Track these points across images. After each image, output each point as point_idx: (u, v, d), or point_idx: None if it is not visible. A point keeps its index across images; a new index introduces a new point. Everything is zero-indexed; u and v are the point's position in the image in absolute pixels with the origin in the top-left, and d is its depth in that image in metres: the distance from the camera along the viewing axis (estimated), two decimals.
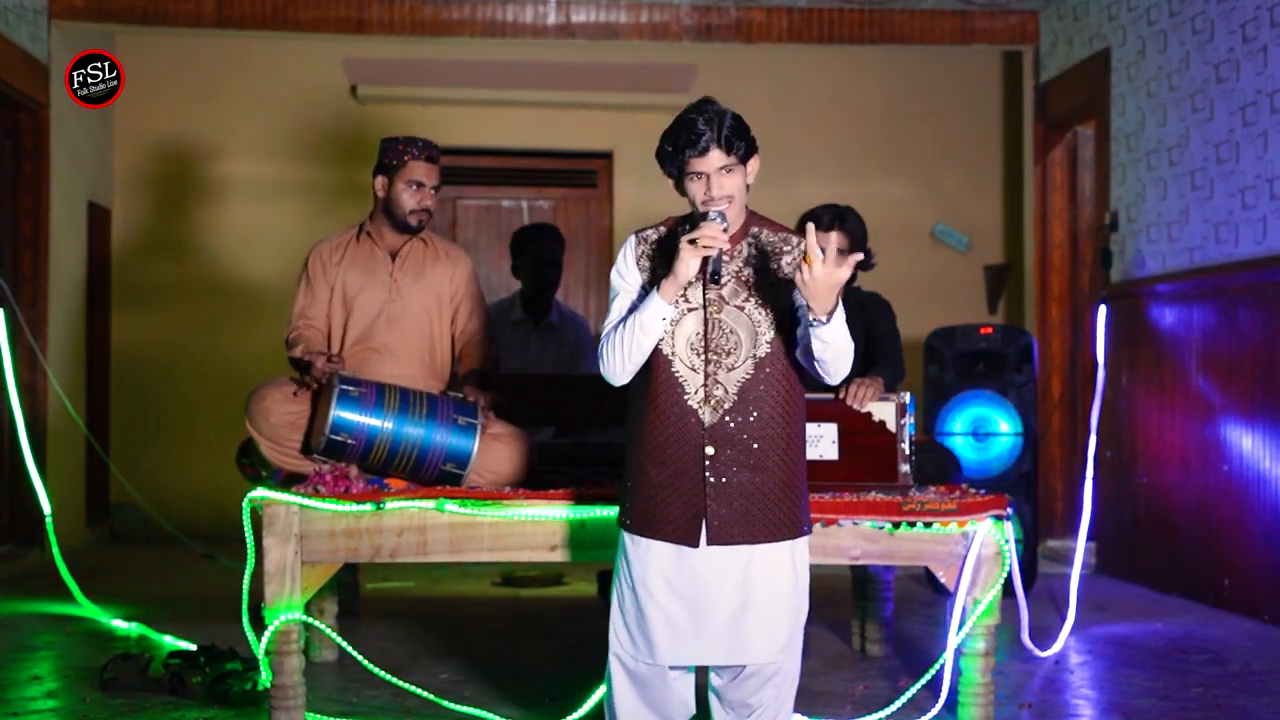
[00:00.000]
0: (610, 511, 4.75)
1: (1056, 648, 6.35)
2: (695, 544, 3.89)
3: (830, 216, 5.78)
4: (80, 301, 9.61)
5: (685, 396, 3.89)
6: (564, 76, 10.60)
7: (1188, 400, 7.80)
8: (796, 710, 4.55)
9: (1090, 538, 8.24)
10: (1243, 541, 7.25)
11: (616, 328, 3.91)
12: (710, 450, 3.88)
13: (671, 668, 3.99)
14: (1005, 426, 7.89)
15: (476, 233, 10.64)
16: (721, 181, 3.85)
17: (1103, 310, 8.04)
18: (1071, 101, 9.40)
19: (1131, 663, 6.19)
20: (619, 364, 3.90)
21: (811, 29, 9.63)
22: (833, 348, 3.76)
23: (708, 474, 3.88)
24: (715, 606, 3.90)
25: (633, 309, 3.92)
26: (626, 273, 4.00)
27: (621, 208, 10.74)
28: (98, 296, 9.99)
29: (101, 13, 9.14)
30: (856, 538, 4.81)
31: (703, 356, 3.90)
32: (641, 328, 3.84)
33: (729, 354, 3.91)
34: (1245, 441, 7.24)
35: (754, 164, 3.95)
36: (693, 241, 3.75)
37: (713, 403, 3.89)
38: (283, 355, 5.50)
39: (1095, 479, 7.81)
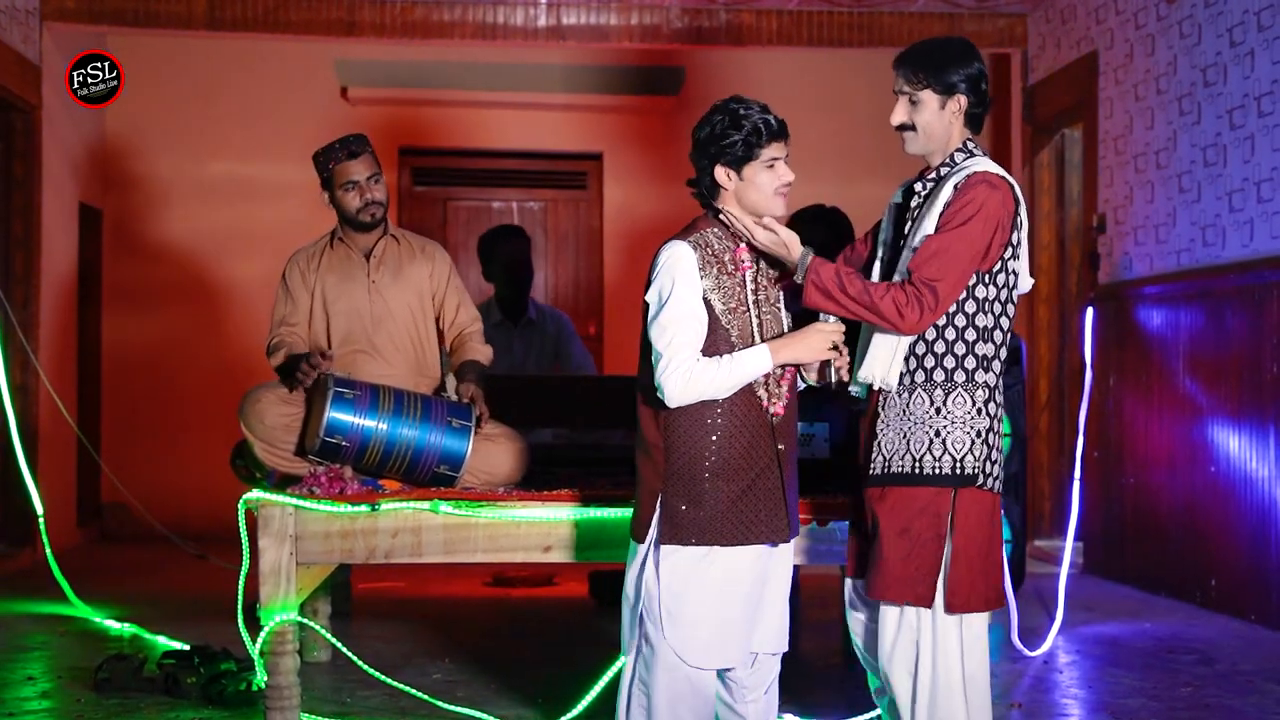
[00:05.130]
0: (605, 512, 4.78)
1: (1045, 648, 6.40)
2: (787, 538, 3.97)
3: (816, 217, 5.86)
4: (72, 302, 9.62)
5: (758, 394, 3.94)
6: (554, 78, 10.63)
7: (1175, 401, 7.84)
8: (789, 710, 4.59)
9: (1078, 538, 8.29)
10: (1229, 542, 7.29)
11: (711, 363, 3.83)
12: (781, 446, 3.95)
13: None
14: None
15: (466, 234, 10.66)
16: (787, 171, 3.96)
17: (1090, 312, 8.08)
18: (1059, 104, 9.44)
19: (1120, 662, 6.24)
20: (694, 396, 3.84)
21: (800, 32, 9.67)
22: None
23: (783, 469, 3.95)
24: (775, 597, 4.01)
25: (716, 336, 3.89)
26: (688, 288, 3.88)
27: (611, 209, 10.78)
28: (89, 297, 10.00)
29: (94, 14, 9.15)
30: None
31: None
32: (743, 378, 3.86)
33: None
34: (1232, 442, 7.29)
35: None
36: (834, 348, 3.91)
37: (773, 397, 3.95)
38: None
39: (1083, 480, 7.86)
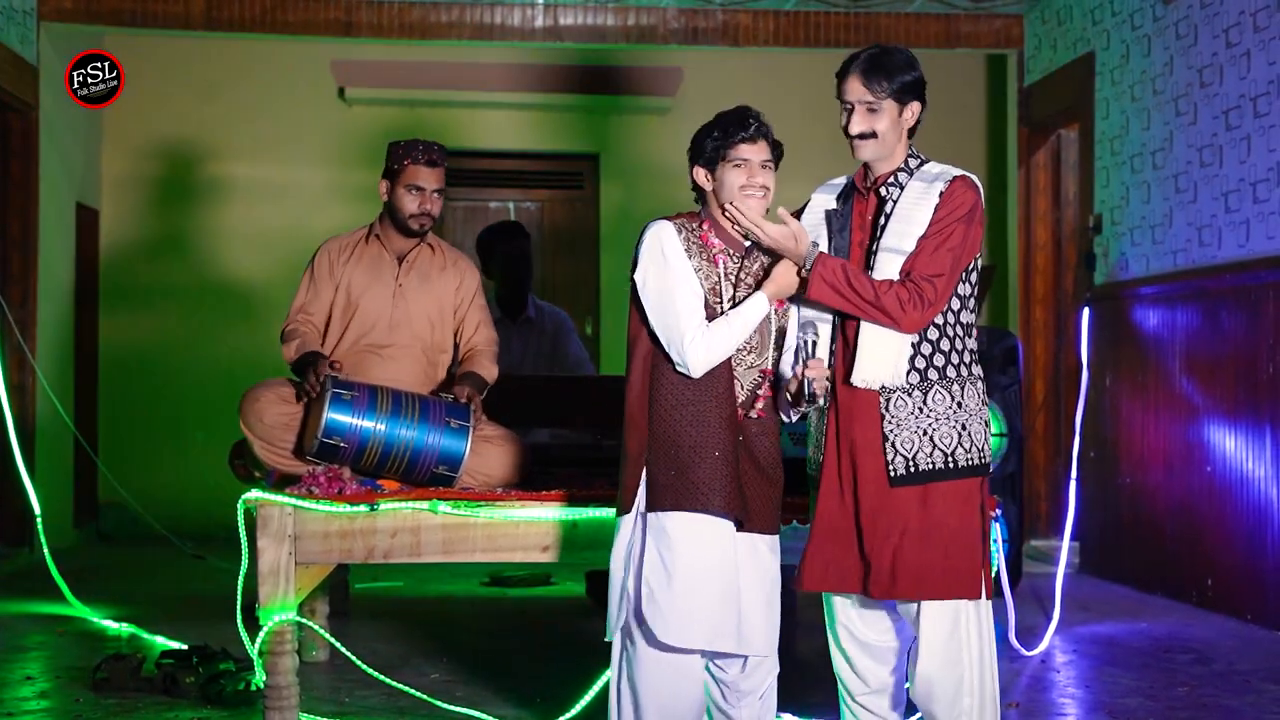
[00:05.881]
0: (603, 513, 4.78)
1: (1042, 647, 6.41)
2: (738, 519, 3.99)
3: None
4: (69, 302, 9.62)
5: (735, 384, 4.03)
6: (551, 79, 10.64)
7: (1171, 401, 7.86)
8: (788, 709, 4.60)
9: (1074, 538, 8.30)
10: (1225, 541, 7.30)
11: (720, 323, 3.97)
12: (741, 438, 4.01)
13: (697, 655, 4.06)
14: (990, 428, 7.91)
15: (463, 234, 10.66)
16: (762, 173, 4.03)
17: (1086, 312, 8.10)
18: (1055, 105, 9.45)
19: (1117, 662, 6.25)
20: (716, 359, 3.97)
21: (797, 32, 9.67)
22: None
23: (739, 459, 4.01)
24: (754, 594, 4.03)
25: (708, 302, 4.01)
26: (679, 260, 4.02)
27: (608, 209, 10.79)
28: (86, 297, 10.00)
29: (91, 14, 9.14)
30: None
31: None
32: (750, 324, 3.99)
33: (750, 352, 4.05)
34: (1228, 442, 7.30)
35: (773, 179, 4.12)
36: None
37: (744, 402, 4.03)
38: (271, 356, 5.52)
39: (1079, 480, 7.88)
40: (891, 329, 3.96)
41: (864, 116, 4.06)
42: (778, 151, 4.09)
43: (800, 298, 4.05)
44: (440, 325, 5.53)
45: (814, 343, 3.96)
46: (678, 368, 3.97)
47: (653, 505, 3.99)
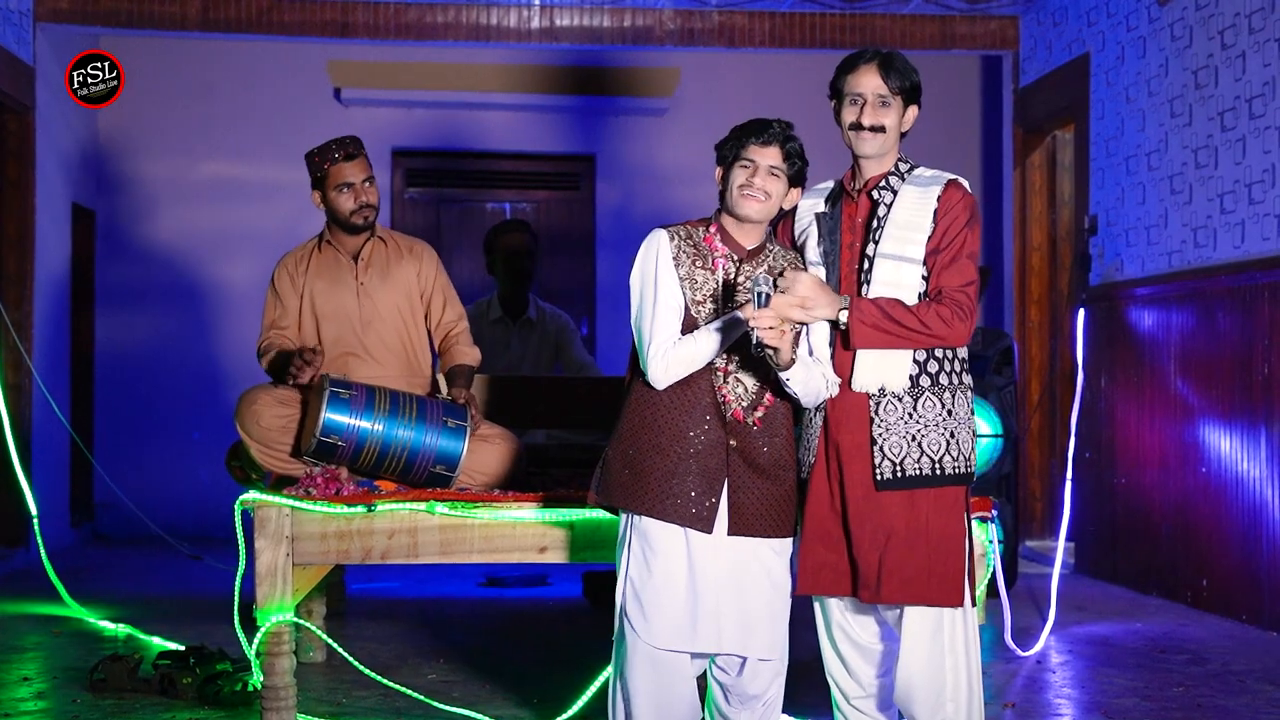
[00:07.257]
0: (600, 513, 4.78)
1: (1038, 648, 6.42)
2: (710, 529, 3.99)
3: None
4: (64, 302, 9.62)
5: (716, 386, 4.03)
6: (547, 80, 10.65)
7: (1166, 402, 7.87)
8: (785, 710, 4.60)
9: (1070, 538, 8.31)
10: (1220, 542, 7.32)
11: (687, 340, 3.97)
12: (733, 443, 4.01)
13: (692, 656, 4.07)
14: (986, 428, 7.92)
15: (460, 235, 10.67)
16: (767, 179, 4.01)
17: (1082, 313, 8.11)
18: (1051, 106, 9.47)
19: (1112, 662, 6.26)
20: (679, 374, 3.99)
21: (793, 33, 9.68)
22: (801, 387, 3.98)
23: (730, 465, 4.02)
24: (736, 594, 4.02)
25: (689, 317, 4.02)
26: (666, 271, 4.04)
27: (603, 211, 10.80)
28: (81, 297, 10.01)
29: (87, 15, 9.14)
30: None
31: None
32: (720, 339, 3.96)
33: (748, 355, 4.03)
34: (1223, 443, 7.32)
35: (794, 194, 4.12)
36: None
37: (732, 398, 4.03)
38: None
39: (1075, 480, 7.89)
40: (942, 346, 4.00)
41: (878, 109, 4.08)
42: (795, 164, 4.06)
43: (845, 344, 4.04)
44: (411, 315, 5.54)
45: (767, 295, 3.82)
46: (645, 377, 4.03)
47: (604, 495, 4.10)
